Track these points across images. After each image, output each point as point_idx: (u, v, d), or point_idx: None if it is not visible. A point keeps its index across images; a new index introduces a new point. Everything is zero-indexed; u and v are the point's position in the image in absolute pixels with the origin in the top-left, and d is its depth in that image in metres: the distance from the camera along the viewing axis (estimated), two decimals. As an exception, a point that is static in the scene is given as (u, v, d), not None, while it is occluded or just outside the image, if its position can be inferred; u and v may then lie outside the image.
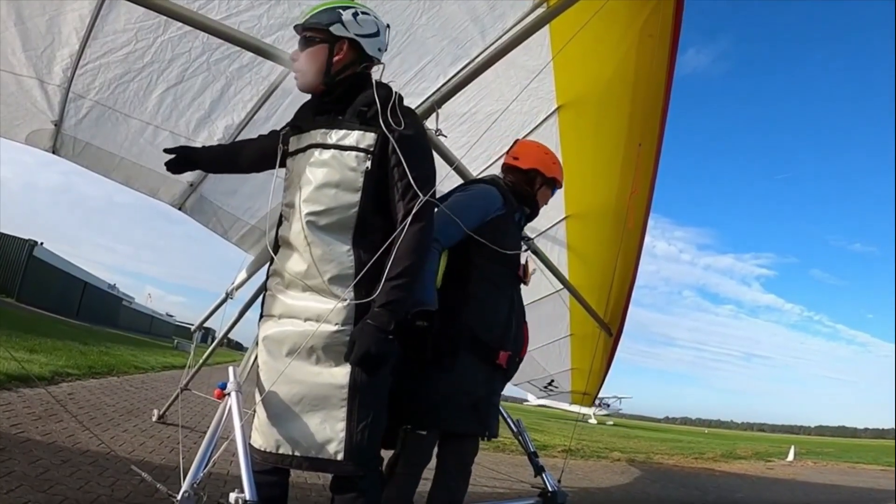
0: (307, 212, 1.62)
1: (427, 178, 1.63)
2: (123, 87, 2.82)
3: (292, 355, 1.63)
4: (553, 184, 2.38)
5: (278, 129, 1.92)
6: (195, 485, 1.57)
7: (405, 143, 1.60)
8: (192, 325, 4.89)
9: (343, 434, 1.60)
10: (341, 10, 1.64)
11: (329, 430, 1.60)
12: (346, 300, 1.58)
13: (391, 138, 1.58)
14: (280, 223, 1.77)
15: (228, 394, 1.82)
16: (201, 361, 4.56)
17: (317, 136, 1.67)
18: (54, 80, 2.74)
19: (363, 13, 1.68)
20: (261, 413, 1.66)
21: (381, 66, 1.75)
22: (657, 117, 2.98)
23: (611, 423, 35.20)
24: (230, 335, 4.56)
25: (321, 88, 1.70)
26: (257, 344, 1.81)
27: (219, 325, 4.38)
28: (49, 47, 2.57)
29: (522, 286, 2.29)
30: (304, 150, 1.69)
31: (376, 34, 1.70)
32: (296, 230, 1.66)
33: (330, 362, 1.62)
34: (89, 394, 5.36)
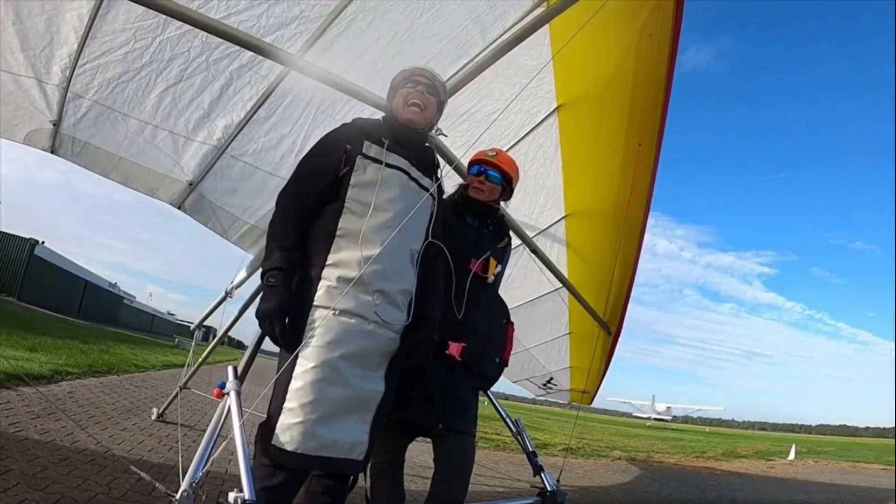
0: (404, 227, 1.78)
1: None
2: (122, 87, 2.82)
3: (353, 357, 1.67)
4: (472, 167, 2.41)
5: (335, 145, 1.84)
6: (194, 484, 1.56)
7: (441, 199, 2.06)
8: (194, 323, 4.90)
9: (367, 437, 1.73)
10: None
11: (359, 433, 1.71)
12: (404, 311, 1.82)
13: (440, 197, 2.04)
14: (341, 213, 1.75)
15: (227, 393, 1.82)
16: (200, 360, 4.57)
17: (402, 163, 1.86)
18: (53, 80, 2.74)
19: None
20: (304, 413, 1.59)
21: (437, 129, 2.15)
22: (657, 117, 2.97)
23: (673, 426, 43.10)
24: (230, 333, 4.56)
25: (419, 130, 1.98)
26: (305, 340, 1.64)
27: (219, 323, 4.38)
28: (47, 47, 2.57)
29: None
30: (390, 166, 1.83)
31: None
32: (390, 236, 1.75)
33: (373, 367, 1.75)
34: (89, 392, 5.36)
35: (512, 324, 2.40)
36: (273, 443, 1.58)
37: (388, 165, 1.81)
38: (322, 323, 1.66)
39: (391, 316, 1.77)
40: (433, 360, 2.05)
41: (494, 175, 2.35)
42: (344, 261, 1.71)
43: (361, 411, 1.72)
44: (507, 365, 2.35)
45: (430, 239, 1.91)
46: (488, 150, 2.45)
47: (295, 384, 1.61)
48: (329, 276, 1.70)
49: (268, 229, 1.74)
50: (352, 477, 1.83)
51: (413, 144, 1.93)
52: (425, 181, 1.93)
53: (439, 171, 2.06)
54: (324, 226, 1.76)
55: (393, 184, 1.81)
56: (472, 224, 2.33)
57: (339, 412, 1.65)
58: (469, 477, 2.17)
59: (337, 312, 1.67)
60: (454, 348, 2.07)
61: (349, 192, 1.76)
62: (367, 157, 1.80)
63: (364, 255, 1.71)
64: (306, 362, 1.62)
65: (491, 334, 2.26)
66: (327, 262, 1.72)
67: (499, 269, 2.30)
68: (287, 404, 1.60)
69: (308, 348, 1.64)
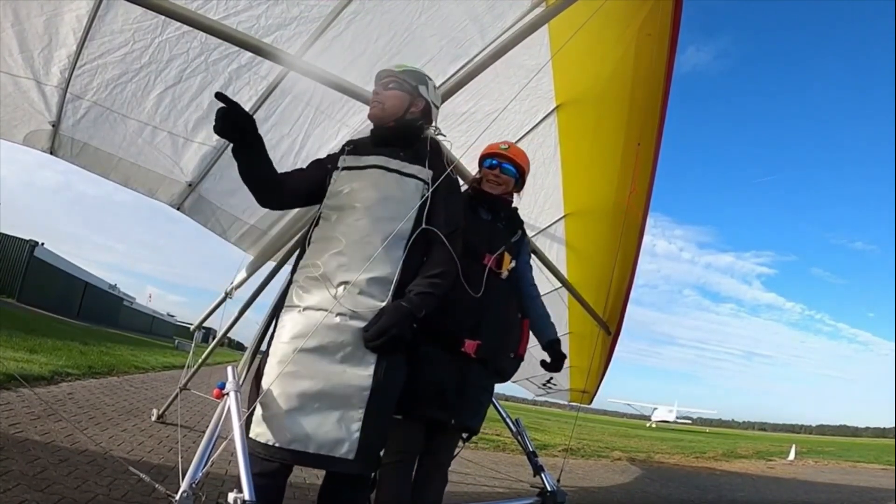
0: (377, 216, 1.81)
1: (460, 213, 1.99)
2: (121, 88, 2.82)
3: (320, 350, 1.68)
4: (485, 160, 2.41)
5: (322, 157, 2.09)
6: (194, 484, 1.57)
7: (452, 184, 2.00)
8: (193, 324, 4.90)
9: (357, 435, 1.67)
10: (427, 79, 2.06)
11: (343, 430, 1.66)
12: (384, 300, 1.75)
13: (445, 176, 1.90)
14: (317, 223, 1.88)
15: (227, 393, 1.82)
16: (200, 361, 4.56)
17: (378, 160, 1.91)
18: (52, 81, 2.73)
19: (436, 88, 2.15)
20: (274, 406, 1.63)
21: (435, 128, 2.13)
22: (656, 116, 2.98)
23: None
24: (230, 334, 4.56)
25: (390, 124, 1.97)
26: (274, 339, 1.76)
27: (218, 324, 4.38)
28: (46, 48, 2.56)
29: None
30: (363, 168, 1.90)
31: (438, 107, 2.12)
32: (358, 228, 1.79)
33: (356, 360, 1.70)
34: (89, 394, 5.36)
35: (527, 319, 2.40)
36: (250, 435, 1.63)
37: (360, 167, 1.90)
38: (288, 321, 1.74)
39: (362, 305, 1.72)
40: (448, 356, 2.08)
41: (509, 168, 2.37)
42: (309, 262, 1.81)
43: (346, 406, 1.66)
44: (522, 359, 2.35)
45: (423, 225, 1.85)
46: (500, 142, 2.45)
47: (265, 380, 1.68)
48: (298, 279, 1.81)
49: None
50: (366, 479, 1.84)
51: (390, 138, 1.97)
52: (413, 168, 1.91)
53: (435, 156, 2.00)
54: (304, 238, 1.91)
55: (366, 181, 1.87)
56: (485, 218, 2.33)
57: (309, 406, 1.63)
58: (446, 475, 2.24)
59: (302, 310, 1.73)
60: (469, 346, 2.10)
61: (324, 202, 1.90)
62: (343, 168, 1.93)
63: (329, 253, 1.78)
64: (273, 359, 1.70)
65: (506, 330, 2.27)
66: (298, 268, 1.84)
67: (513, 264, 2.29)
68: (261, 399, 1.65)
69: (275, 345, 1.72)
